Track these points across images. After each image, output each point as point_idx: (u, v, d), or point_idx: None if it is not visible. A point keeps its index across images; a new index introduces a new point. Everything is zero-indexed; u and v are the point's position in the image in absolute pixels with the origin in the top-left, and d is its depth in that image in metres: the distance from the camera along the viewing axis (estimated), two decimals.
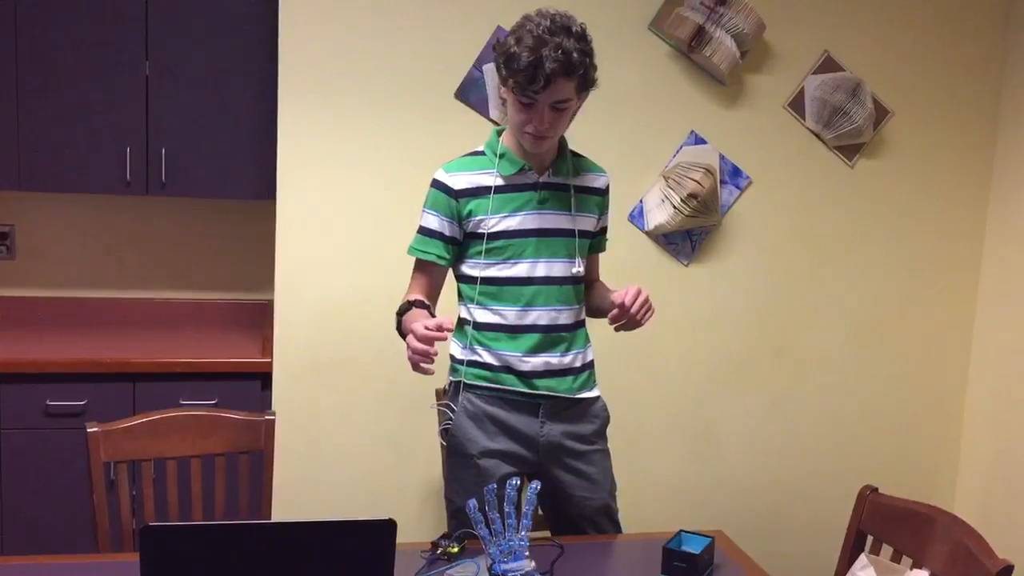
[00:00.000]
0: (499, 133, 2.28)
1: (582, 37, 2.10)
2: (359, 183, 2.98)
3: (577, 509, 2.31)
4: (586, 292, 2.37)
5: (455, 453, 2.29)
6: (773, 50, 3.16)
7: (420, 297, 2.22)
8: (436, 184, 2.25)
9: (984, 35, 3.29)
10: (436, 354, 1.96)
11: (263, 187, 3.19)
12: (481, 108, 3.00)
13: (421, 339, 1.94)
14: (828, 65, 3.18)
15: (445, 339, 1.95)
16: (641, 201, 3.14)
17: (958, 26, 3.27)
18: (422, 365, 1.96)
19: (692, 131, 3.14)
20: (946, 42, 3.27)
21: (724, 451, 3.30)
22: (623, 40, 3.04)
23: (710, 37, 3.01)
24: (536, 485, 1.90)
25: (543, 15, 2.10)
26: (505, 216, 2.22)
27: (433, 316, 2.19)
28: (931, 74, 3.27)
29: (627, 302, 2.10)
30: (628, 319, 2.13)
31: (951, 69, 3.29)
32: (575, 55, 2.06)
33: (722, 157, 3.16)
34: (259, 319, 3.54)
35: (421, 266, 2.28)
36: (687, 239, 3.18)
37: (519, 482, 1.94)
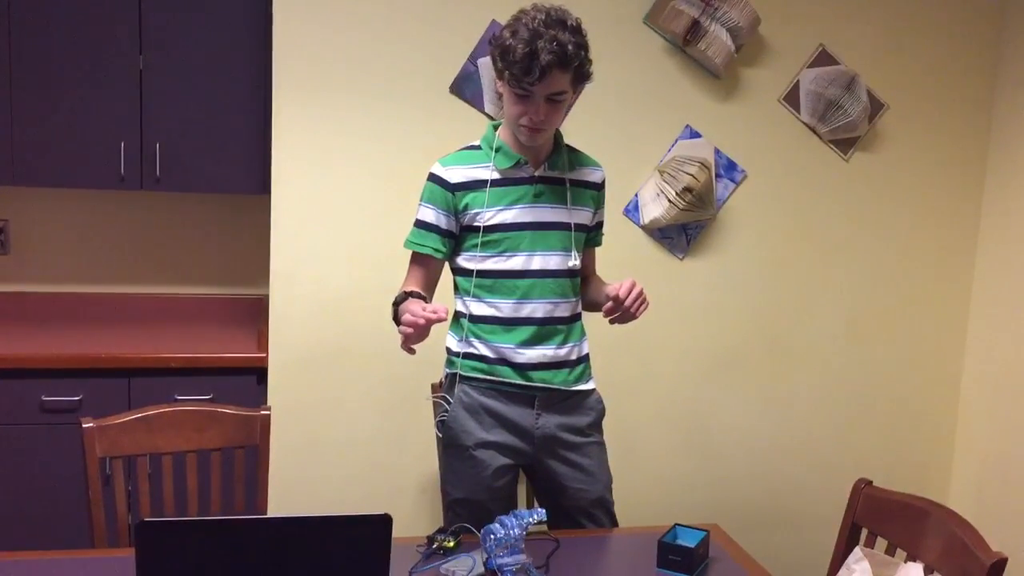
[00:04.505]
0: (495, 127, 2.28)
1: (577, 30, 2.12)
2: (354, 177, 2.97)
3: (573, 501, 2.32)
4: (582, 286, 2.38)
5: (451, 445, 2.30)
6: (768, 44, 3.16)
7: (416, 289, 2.23)
8: (432, 178, 2.25)
9: (979, 28, 3.29)
10: (426, 323, 1.97)
11: (258, 182, 3.18)
12: (476, 102, 2.99)
13: (416, 316, 1.96)
14: (823, 59, 3.18)
15: (444, 318, 1.96)
16: (636, 195, 3.14)
17: (953, 20, 3.27)
18: (409, 333, 1.97)
19: (687, 125, 3.14)
20: (941, 36, 3.27)
21: (719, 444, 3.31)
22: (618, 34, 3.04)
23: (705, 31, 3.01)
24: (541, 514, 1.90)
25: (539, 9, 2.11)
26: (501, 209, 2.22)
27: None
28: (926, 67, 3.27)
29: (621, 295, 2.12)
30: (623, 312, 2.14)
31: (946, 62, 3.29)
32: (570, 48, 2.07)
33: (717, 151, 3.16)
34: (254, 314, 3.53)
35: (417, 259, 2.29)
36: (682, 233, 3.18)
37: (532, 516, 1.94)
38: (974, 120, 3.34)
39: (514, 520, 1.86)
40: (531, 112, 2.13)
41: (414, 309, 2.00)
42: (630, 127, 3.11)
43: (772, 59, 3.17)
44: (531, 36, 2.05)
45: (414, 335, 1.99)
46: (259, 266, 3.32)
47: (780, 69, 3.18)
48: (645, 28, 3.07)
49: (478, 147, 2.28)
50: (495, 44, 2.14)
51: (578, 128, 2.99)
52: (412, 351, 2.03)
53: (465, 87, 2.98)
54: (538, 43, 2.05)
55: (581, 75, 2.15)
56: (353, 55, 2.92)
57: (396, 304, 2.21)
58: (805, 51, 3.18)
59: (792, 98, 3.19)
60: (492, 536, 1.85)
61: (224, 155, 3.18)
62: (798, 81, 3.19)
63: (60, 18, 3.02)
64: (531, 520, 1.88)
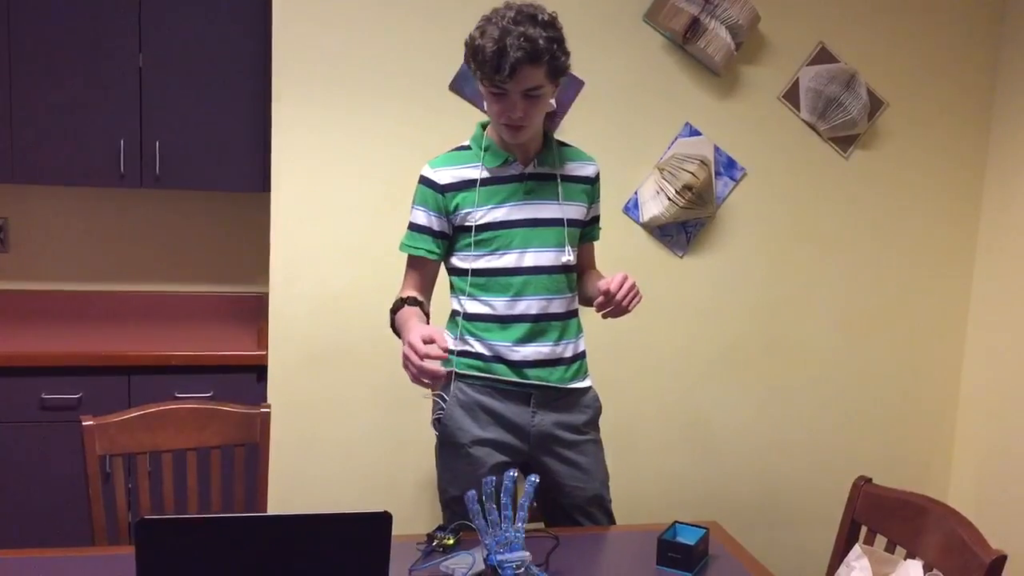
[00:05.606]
0: (483, 126, 2.28)
1: (549, 25, 2.10)
2: (354, 175, 2.97)
3: (569, 499, 2.32)
4: (579, 281, 2.38)
5: (446, 443, 2.31)
6: (768, 41, 3.16)
7: (413, 294, 2.25)
8: (422, 180, 2.26)
9: (978, 26, 3.29)
10: (443, 376, 1.96)
11: (258, 179, 3.19)
12: (475, 100, 2.99)
13: (423, 356, 1.92)
14: (823, 56, 3.18)
15: (445, 357, 1.95)
16: (636, 193, 3.14)
17: (952, 17, 3.27)
18: (423, 380, 1.96)
19: (687, 123, 3.14)
20: (940, 33, 3.27)
21: (719, 442, 3.31)
22: (617, 32, 3.04)
23: (705, 28, 3.01)
24: (535, 478, 1.90)
25: (509, 7, 2.11)
26: (492, 208, 2.22)
27: (426, 312, 2.21)
28: (926, 65, 3.27)
29: (612, 288, 2.11)
30: (614, 306, 2.13)
31: (945, 60, 3.29)
32: (541, 42, 2.06)
33: (717, 149, 3.16)
34: (254, 312, 3.53)
35: (413, 262, 2.29)
36: (682, 231, 3.18)
37: (516, 473, 1.94)
38: (974, 118, 3.34)
39: (508, 499, 1.84)
40: (508, 110, 2.13)
41: (416, 345, 1.93)
42: (629, 125, 3.11)
43: (772, 57, 3.17)
44: (500, 34, 2.05)
45: (420, 376, 1.95)
46: (259, 264, 3.32)
47: (780, 67, 3.18)
48: (644, 26, 3.07)
49: (468, 147, 2.28)
50: (467, 45, 2.14)
51: (577, 125, 3.00)
52: (428, 385, 2.00)
53: (465, 85, 2.98)
54: (507, 40, 2.04)
55: (556, 68, 2.13)
56: (353, 53, 2.92)
57: (393, 312, 2.22)
58: (805, 49, 3.18)
59: (792, 96, 3.19)
60: (490, 526, 1.84)
61: (224, 153, 3.18)
62: (798, 79, 3.19)
63: (60, 16, 3.02)
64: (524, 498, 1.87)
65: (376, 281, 2.90)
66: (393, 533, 1.54)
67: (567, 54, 2.14)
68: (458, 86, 2.98)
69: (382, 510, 1.53)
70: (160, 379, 2.99)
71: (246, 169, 3.20)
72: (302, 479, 3.03)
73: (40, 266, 3.46)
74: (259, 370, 3.04)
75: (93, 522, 2.25)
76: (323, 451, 3.04)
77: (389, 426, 3.07)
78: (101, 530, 2.26)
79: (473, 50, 2.10)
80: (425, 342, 1.93)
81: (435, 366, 1.93)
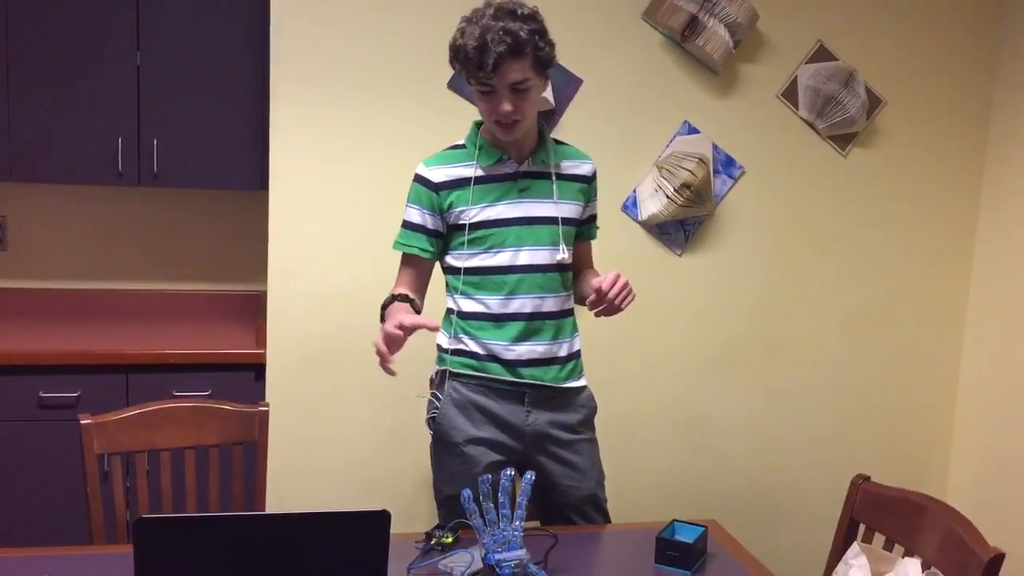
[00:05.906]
0: (478, 125, 2.28)
1: (530, 18, 2.11)
2: (352, 173, 2.97)
3: (564, 498, 2.32)
4: (574, 280, 2.37)
5: (440, 441, 2.31)
6: (766, 39, 3.16)
7: (404, 291, 2.25)
8: (417, 178, 2.26)
9: (976, 24, 3.29)
10: (390, 357, 1.98)
11: (256, 178, 3.18)
12: (473, 99, 2.98)
13: (384, 339, 1.97)
14: (821, 54, 3.18)
15: (400, 335, 1.97)
16: (634, 191, 3.14)
17: (951, 15, 3.27)
18: (385, 364, 1.99)
19: (685, 121, 3.14)
20: (939, 31, 3.27)
21: (717, 441, 3.31)
22: (616, 30, 3.04)
23: (703, 26, 3.01)
24: (531, 475, 1.90)
25: (489, 4, 2.13)
26: (485, 206, 2.22)
27: (417, 310, 2.21)
28: (924, 63, 3.27)
29: (604, 287, 2.10)
30: (606, 304, 2.13)
31: (944, 58, 3.29)
32: (523, 34, 2.07)
33: (715, 147, 3.16)
34: (252, 310, 3.53)
35: (407, 260, 2.29)
36: (680, 229, 3.18)
37: (512, 472, 1.94)
38: (972, 116, 3.34)
39: (505, 499, 1.84)
40: (498, 106, 2.13)
41: (387, 328, 1.99)
42: (628, 123, 3.10)
43: (770, 55, 3.16)
44: (481, 31, 2.06)
45: (386, 353, 1.98)
46: (257, 262, 3.31)
47: (778, 65, 3.17)
48: (643, 24, 3.07)
49: (462, 146, 2.28)
50: (450, 48, 2.14)
51: (576, 124, 3.00)
52: (391, 372, 2.00)
53: (463, 84, 2.97)
54: (488, 36, 2.05)
55: (541, 60, 2.13)
56: (351, 51, 2.92)
57: (383, 308, 2.22)
58: (803, 47, 3.18)
59: (790, 94, 3.19)
60: (488, 525, 1.84)
61: (222, 151, 3.18)
62: (796, 77, 3.19)
63: (57, 14, 3.01)
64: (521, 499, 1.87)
65: (374, 279, 2.89)
66: (392, 531, 1.54)
67: (551, 45, 2.15)
68: (456, 84, 2.98)
69: (380, 508, 1.53)
70: (158, 377, 2.99)
71: (244, 167, 3.19)
72: (300, 477, 3.03)
73: (38, 264, 3.45)
74: (257, 368, 3.04)
75: (91, 521, 2.25)
76: (321, 449, 3.04)
77: (388, 424, 3.07)
78: (99, 529, 2.25)
79: (455, 50, 2.12)
80: (401, 328, 1.96)
81: (384, 347, 1.96)
